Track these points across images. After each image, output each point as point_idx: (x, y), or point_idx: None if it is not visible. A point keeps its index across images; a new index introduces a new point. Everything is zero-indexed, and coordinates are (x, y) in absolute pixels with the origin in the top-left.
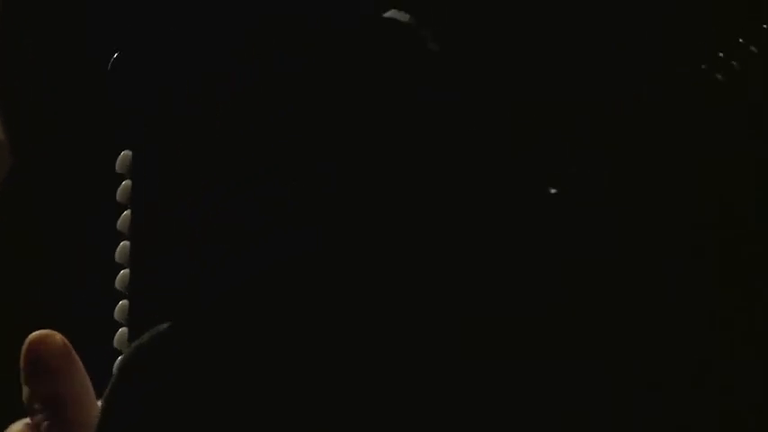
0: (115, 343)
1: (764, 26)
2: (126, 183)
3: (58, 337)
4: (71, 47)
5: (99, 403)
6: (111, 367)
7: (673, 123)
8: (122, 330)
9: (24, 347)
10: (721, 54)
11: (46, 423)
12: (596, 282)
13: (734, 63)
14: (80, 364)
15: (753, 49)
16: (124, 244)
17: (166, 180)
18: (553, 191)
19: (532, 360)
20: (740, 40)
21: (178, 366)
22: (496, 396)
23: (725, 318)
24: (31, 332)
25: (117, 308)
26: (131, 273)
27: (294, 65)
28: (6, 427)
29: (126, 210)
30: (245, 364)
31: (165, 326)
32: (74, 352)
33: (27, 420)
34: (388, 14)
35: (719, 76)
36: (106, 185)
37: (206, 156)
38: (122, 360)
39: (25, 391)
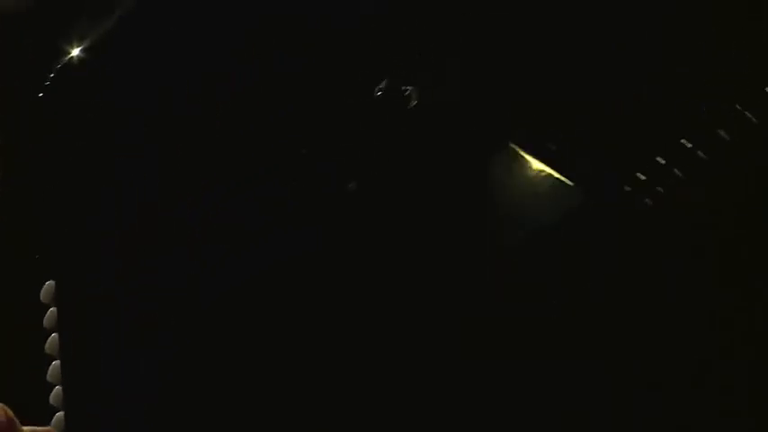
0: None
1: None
2: (52, 310)
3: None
4: (71, 47)
5: None
6: (110, 364)
7: (673, 124)
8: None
9: None
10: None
11: None
12: (596, 283)
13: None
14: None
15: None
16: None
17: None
18: (555, 191)
19: (533, 360)
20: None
21: None
22: (496, 395)
23: (724, 318)
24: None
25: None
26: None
27: (293, 65)
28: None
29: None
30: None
31: None
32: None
33: None
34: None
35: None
36: (106, 185)
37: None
38: None
39: None
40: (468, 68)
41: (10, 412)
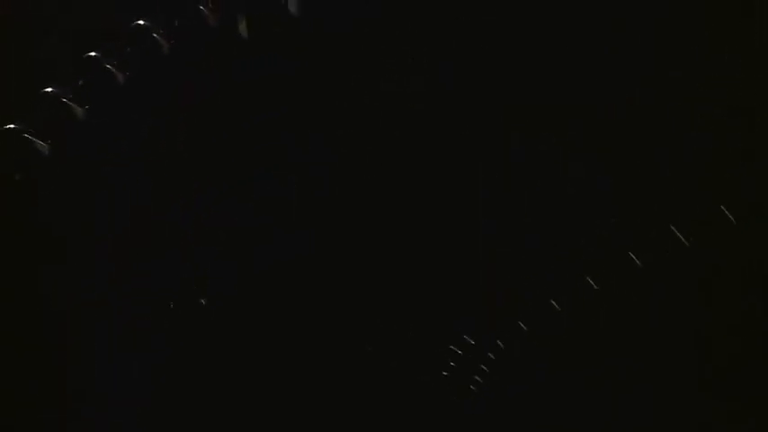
0: None
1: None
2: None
3: None
4: (70, 49)
5: None
6: (111, 364)
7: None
8: None
9: None
10: None
11: None
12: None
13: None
14: None
15: None
16: None
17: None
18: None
19: (530, 362)
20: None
21: None
22: (491, 400)
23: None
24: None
25: None
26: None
27: (289, 67)
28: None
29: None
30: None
31: None
32: None
33: None
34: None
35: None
36: (107, 185)
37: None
38: None
39: None
40: (464, 70)
41: None
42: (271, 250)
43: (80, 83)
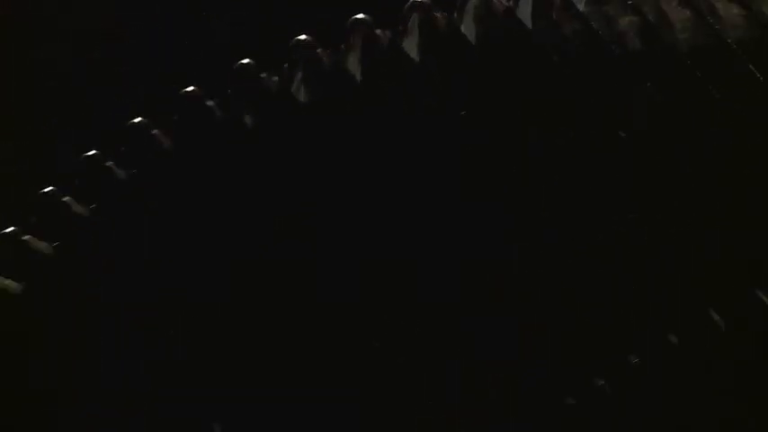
0: None
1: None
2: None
3: None
4: (70, 49)
5: None
6: (111, 367)
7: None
8: None
9: None
10: None
11: None
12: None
13: None
14: None
15: None
16: None
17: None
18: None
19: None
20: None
21: None
22: (490, 401)
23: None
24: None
25: None
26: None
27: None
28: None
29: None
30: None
31: None
32: None
33: None
34: None
35: None
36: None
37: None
38: None
39: None
40: (473, 69)
41: None
42: (279, 245)
43: (82, 182)
